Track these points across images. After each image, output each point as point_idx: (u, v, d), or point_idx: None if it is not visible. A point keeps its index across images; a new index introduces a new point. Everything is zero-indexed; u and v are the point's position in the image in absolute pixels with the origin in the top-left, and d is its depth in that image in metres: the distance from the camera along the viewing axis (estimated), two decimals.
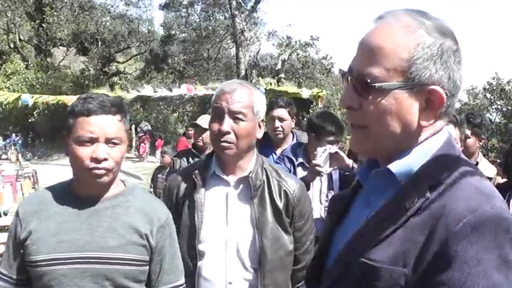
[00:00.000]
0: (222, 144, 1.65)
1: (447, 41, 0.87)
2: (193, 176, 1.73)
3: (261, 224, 1.68)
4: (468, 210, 0.76)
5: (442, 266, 0.75)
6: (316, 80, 23.23)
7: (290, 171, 2.83)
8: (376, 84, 0.85)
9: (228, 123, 1.64)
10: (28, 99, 9.13)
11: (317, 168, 2.58)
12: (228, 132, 1.64)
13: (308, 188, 2.67)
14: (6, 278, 1.49)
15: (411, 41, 0.85)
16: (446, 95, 0.86)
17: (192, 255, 1.68)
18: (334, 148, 2.67)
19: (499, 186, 2.44)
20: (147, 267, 1.50)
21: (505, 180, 2.77)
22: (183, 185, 1.77)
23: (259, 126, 1.74)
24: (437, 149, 0.89)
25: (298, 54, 23.46)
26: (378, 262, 0.83)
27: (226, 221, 1.71)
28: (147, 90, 9.55)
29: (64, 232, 1.43)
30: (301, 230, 1.80)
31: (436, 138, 0.91)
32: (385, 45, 0.86)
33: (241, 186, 1.74)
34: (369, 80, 0.86)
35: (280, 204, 1.72)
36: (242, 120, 1.65)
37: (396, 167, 0.89)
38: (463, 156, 0.91)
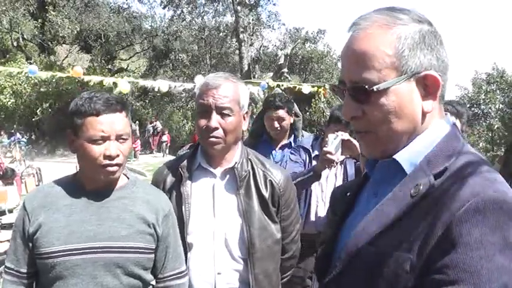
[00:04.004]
0: (211, 140, 1.67)
1: (424, 25, 0.89)
2: (179, 169, 1.74)
3: (248, 214, 1.70)
4: (471, 195, 0.77)
5: (445, 249, 0.76)
6: (321, 74, 23.11)
7: (305, 163, 2.77)
8: (374, 87, 0.87)
9: (215, 120, 1.65)
10: (35, 69, 9.05)
11: (328, 156, 2.35)
12: (216, 128, 1.65)
13: (319, 178, 2.55)
14: (13, 272, 1.51)
15: (391, 36, 0.87)
16: (440, 76, 0.88)
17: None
18: (346, 135, 2.43)
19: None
20: (153, 255, 1.57)
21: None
22: (169, 178, 1.78)
23: (244, 118, 1.76)
24: (442, 138, 0.90)
25: (301, 48, 23.30)
26: (383, 248, 0.84)
27: (213, 212, 1.72)
28: (159, 84, 9.41)
29: (74, 224, 1.47)
30: (287, 220, 1.81)
31: (441, 126, 0.92)
32: (368, 49, 0.87)
33: (227, 177, 1.75)
34: (366, 86, 0.87)
35: (266, 194, 1.74)
36: (229, 115, 1.66)
37: (402, 156, 0.91)
38: (467, 145, 0.92)
